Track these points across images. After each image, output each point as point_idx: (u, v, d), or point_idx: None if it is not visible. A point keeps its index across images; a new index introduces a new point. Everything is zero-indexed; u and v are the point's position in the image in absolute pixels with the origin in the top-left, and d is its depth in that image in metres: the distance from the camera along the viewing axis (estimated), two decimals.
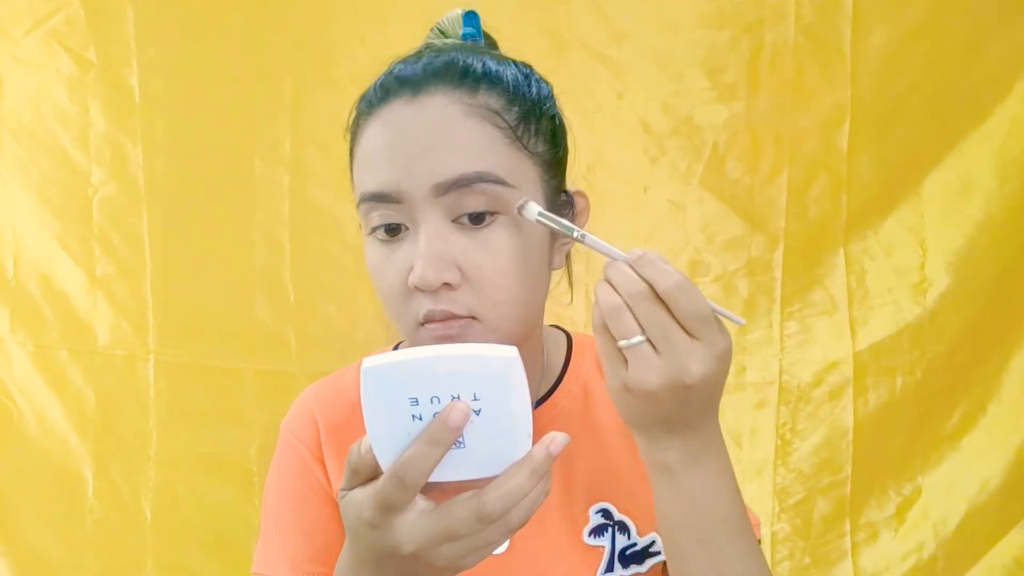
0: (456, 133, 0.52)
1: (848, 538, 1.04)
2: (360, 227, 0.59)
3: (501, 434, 0.41)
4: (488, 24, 0.61)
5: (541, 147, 0.55)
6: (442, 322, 0.52)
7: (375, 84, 0.56)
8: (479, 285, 0.52)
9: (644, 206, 1.04)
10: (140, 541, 1.06)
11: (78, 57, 1.03)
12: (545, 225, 0.50)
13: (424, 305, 0.52)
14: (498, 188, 0.52)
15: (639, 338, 0.45)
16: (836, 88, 1.01)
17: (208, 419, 1.05)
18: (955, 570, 1.03)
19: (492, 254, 0.52)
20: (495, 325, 0.53)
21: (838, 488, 1.04)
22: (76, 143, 1.05)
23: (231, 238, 1.05)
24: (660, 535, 0.53)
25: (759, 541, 0.67)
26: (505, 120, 0.53)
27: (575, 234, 0.49)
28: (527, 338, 0.58)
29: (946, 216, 1.02)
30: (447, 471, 0.42)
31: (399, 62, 0.57)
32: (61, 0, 1.02)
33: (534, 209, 0.50)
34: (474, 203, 0.51)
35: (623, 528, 0.61)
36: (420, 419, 0.40)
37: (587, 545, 0.60)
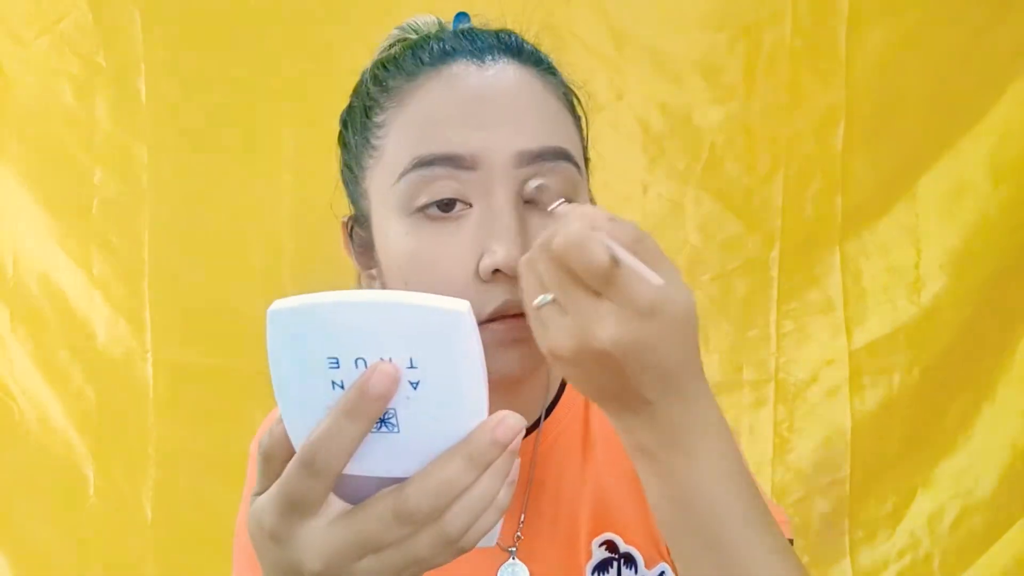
0: (539, 104, 0.46)
1: (847, 537, 1.04)
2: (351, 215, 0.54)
3: (447, 417, 0.31)
4: (488, 18, 0.59)
5: (586, 147, 0.52)
6: (513, 319, 0.44)
7: (423, 45, 0.49)
8: None
9: (643, 205, 1.05)
10: (140, 540, 1.06)
11: (87, 61, 1.05)
12: (538, 199, 0.45)
13: (499, 296, 0.43)
14: (575, 174, 0.46)
15: (549, 296, 0.37)
16: (831, 90, 1.02)
17: (207, 418, 1.05)
18: (951, 568, 1.03)
19: None
20: None
21: (837, 487, 1.04)
22: (81, 145, 1.06)
23: (231, 238, 1.05)
24: (665, 540, 0.44)
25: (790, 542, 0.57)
26: (571, 106, 0.49)
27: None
28: None
29: (941, 216, 1.03)
30: (374, 463, 0.32)
31: (433, 38, 0.50)
32: (70, 4, 1.04)
33: (534, 182, 0.45)
34: (554, 184, 0.45)
35: (629, 561, 0.54)
36: (342, 387, 0.31)
37: None
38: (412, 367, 0.30)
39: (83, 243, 1.06)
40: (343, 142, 0.54)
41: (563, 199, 0.43)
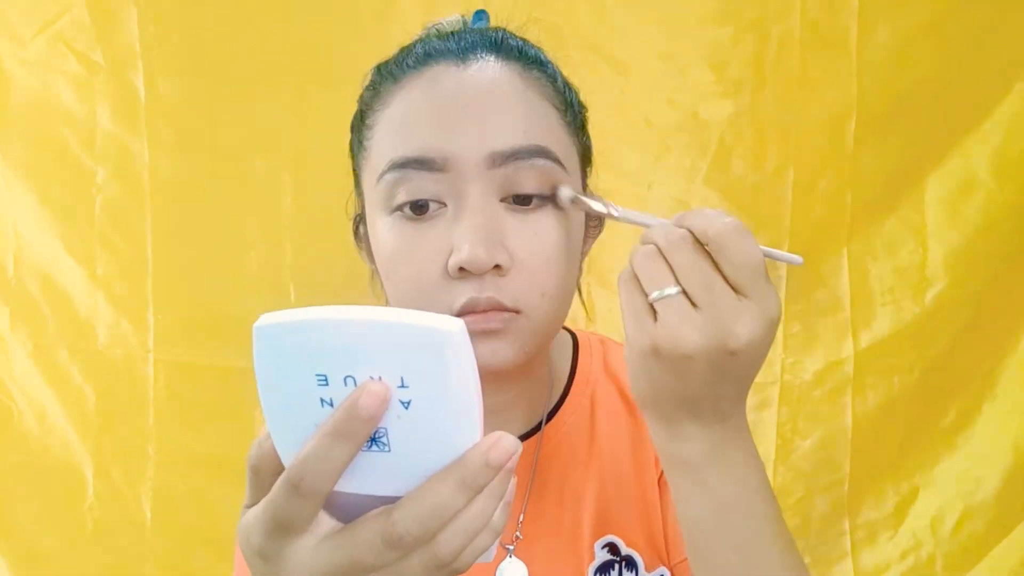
0: (516, 101, 0.46)
1: (848, 537, 1.03)
2: (354, 213, 0.56)
3: (438, 436, 0.31)
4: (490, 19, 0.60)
5: (582, 137, 0.52)
6: (483, 313, 0.45)
7: (410, 48, 0.50)
8: (529, 273, 0.46)
9: (648, 203, 1.03)
10: (140, 540, 1.05)
11: (85, 59, 1.04)
12: (581, 206, 0.45)
13: (465, 292, 0.45)
14: (556, 169, 0.47)
15: (675, 288, 0.37)
16: (841, 84, 1.00)
17: (208, 419, 1.05)
18: (954, 569, 1.02)
19: (542, 240, 0.46)
20: (538, 320, 0.47)
21: (836, 487, 1.03)
22: (82, 144, 1.05)
23: (232, 238, 1.04)
24: (687, 546, 0.44)
25: None
26: (561, 100, 0.49)
27: (610, 210, 0.44)
28: (552, 339, 0.53)
29: (947, 216, 1.01)
30: (366, 481, 0.31)
31: (424, 40, 0.51)
32: (66, 2, 1.03)
33: (568, 192, 0.45)
34: (529, 181, 0.45)
35: (631, 564, 0.54)
36: (331, 405, 0.30)
37: None
38: (403, 386, 0.30)
39: (86, 242, 1.05)
40: (350, 145, 0.56)
41: (567, 187, 0.45)
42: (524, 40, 0.52)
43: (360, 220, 0.57)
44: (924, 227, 1.01)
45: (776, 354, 1.03)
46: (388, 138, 0.47)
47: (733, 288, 0.37)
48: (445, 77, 0.47)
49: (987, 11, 0.99)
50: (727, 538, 0.41)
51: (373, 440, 0.31)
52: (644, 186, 1.03)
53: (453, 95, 0.46)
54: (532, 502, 0.54)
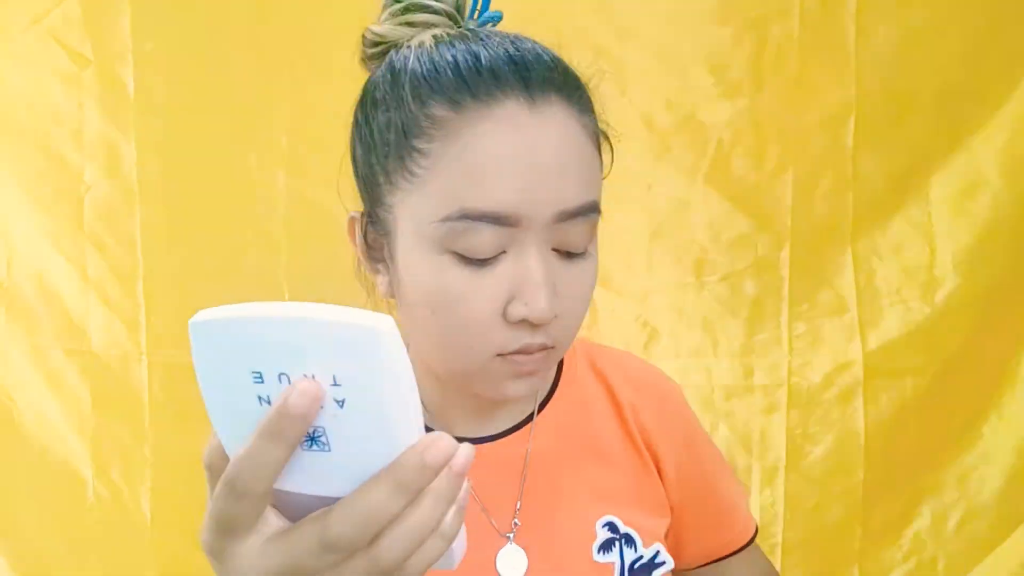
0: (580, 156, 0.48)
1: (858, 543, 1.02)
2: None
3: (377, 436, 0.30)
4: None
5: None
6: (530, 355, 0.48)
7: (466, 64, 0.47)
8: (573, 316, 0.49)
9: (648, 204, 1.02)
10: (140, 541, 1.05)
11: (74, 54, 1.02)
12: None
13: (521, 338, 0.47)
14: (597, 219, 0.49)
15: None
16: (841, 84, 0.99)
17: (203, 420, 1.02)
18: (957, 571, 1.02)
19: (582, 286, 0.49)
20: (562, 351, 0.51)
21: (851, 494, 1.02)
22: (70, 141, 1.03)
23: (225, 237, 1.03)
24: None
25: (751, 541, 0.67)
26: (598, 135, 0.51)
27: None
28: None
29: (954, 215, 1.01)
30: (308, 481, 0.31)
31: (479, 62, 0.47)
32: None
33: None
34: (581, 237, 0.48)
35: (629, 541, 0.57)
36: (268, 403, 0.30)
37: (596, 563, 0.56)
38: (336, 384, 0.29)
39: (77, 243, 1.04)
40: (360, 137, 0.53)
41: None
42: (574, 70, 0.52)
43: (368, 222, 0.54)
44: (931, 227, 1.01)
45: (782, 355, 1.02)
46: (457, 181, 0.46)
47: None
48: (519, 122, 0.46)
49: (989, 9, 0.98)
50: None
51: (313, 440, 0.30)
52: (644, 187, 1.02)
53: (529, 148, 0.46)
54: (528, 490, 0.56)
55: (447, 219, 0.46)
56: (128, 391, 1.04)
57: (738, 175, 1.01)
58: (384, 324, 0.29)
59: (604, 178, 0.53)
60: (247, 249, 1.03)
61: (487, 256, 0.46)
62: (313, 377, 0.29)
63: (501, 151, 0.45)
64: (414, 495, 0.30)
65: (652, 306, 1.02)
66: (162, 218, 1.03)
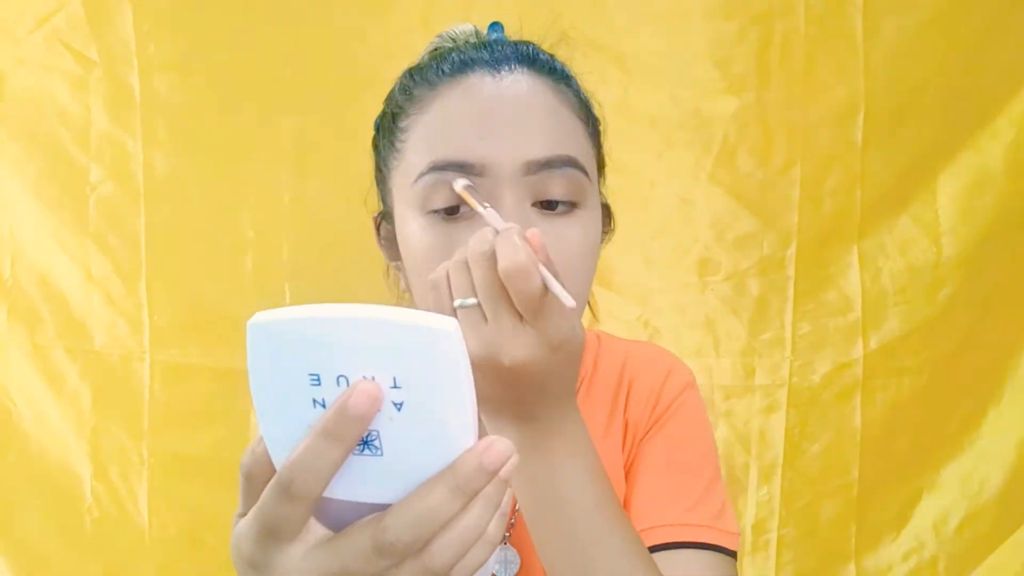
0: (549, 114, 0.50)
1: (853, 540, 1.01)
2: (373, 214, 0.57)
3: (432, 440, 0.30)
4: (491, 15, 0.60)
5: (599, 147, 0.56)
6: None
7: (445, 56, 0.53)
8: (567, 272, 0.47)
9: (651, 202, 1.01)
10: (139, 541, 1.05)
11: (80, 56, 1.03)
12: (467, 200, 0.47)
13: None
14: (583, 179, 0.50)
15: (472, 300, 0.41)
16: (849, 80, 0.98)
17: (203, 420, 1.04)
18: (957, 571, 1.01)
19: (568, 243, 0.49)
20: None
21: (845, 491, 1.01)
22: (76, 142, 1.04)
23: (229, 238, 1.03)
24: (533, 540, 0.47)
25: (727, 551, 0.57)
26: (585, 113, 0.53)
27: (484, 208, 0.46)
28: None
29: (960, 213, 0.99)
30: (358, 487, 0.30)
31: (459, 49, 0.54)
32: None
33: (460, 184, 0.47)
34: (558, 189, 0.49)
35: None
36: (323, 406, 0.29)
37: None
38: (395, 387, 0.29)
39: (81, 242, 1.04)
40: (375, 145, 0.58)
41: (462, 180, 0.47)
42: (552, 55, 0.56)
43: (382, 219, 0.59)
44: (937, 225, 1.00)
45: (784, 356, 1.01)
46: (426, 142, 0.50)
47: (519, 313, 0.40)
48: (482, 86, 0.50)
49: (998, 5, 0.97)
50: (551, 526, 0.45)
51: (365, 443, 0.30)
52: (647, 184, 1.01)
53: (491, 104, 0.49)
54: None
55: (420, 176, 0.49)
56: (128, 391, 1.04)
57: (744, 172, 1.00)
58: (449, 326, 0.29)
59: (603, 168, 0.56)
60: (249, 249, 1.03)
61: (452, 212, 0.48)
62: (373, 379, 0.29)
63: (465, 108, 0.49)
64: (470, 499, 0.30)
65: (654, 306, 1.01)
66: (167, 218, 1.04)
